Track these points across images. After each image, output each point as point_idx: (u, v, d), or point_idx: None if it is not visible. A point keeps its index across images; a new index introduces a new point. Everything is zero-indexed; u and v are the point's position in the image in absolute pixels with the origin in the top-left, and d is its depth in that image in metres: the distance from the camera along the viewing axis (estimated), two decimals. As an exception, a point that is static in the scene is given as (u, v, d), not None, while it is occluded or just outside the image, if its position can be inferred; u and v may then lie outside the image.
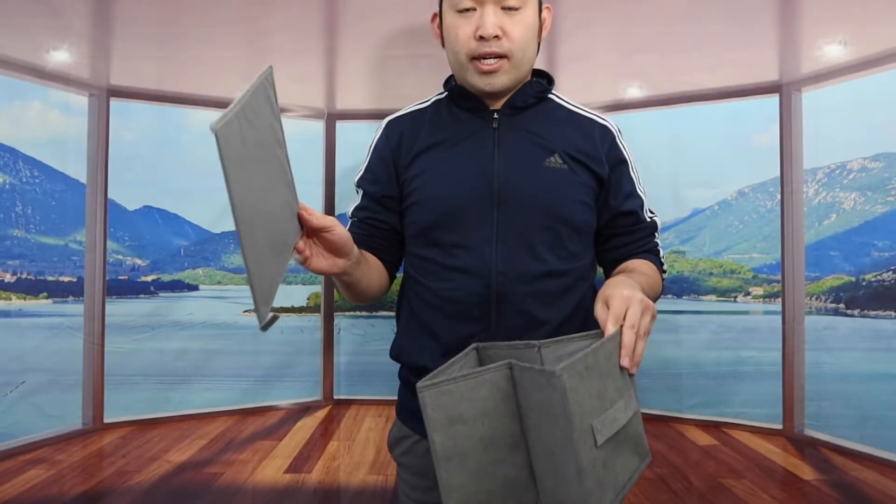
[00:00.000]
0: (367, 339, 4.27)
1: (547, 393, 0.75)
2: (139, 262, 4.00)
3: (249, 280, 0.77)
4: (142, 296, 3.95)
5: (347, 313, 4.29)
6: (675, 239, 3.97)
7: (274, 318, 0.80)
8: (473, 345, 0.91)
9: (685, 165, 3.81)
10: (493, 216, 1.07)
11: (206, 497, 2.57)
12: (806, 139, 3.44)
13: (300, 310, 4.29)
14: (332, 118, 4.21)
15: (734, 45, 3.06)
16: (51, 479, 2.71)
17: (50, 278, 3.54)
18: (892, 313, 3.19)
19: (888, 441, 3.01)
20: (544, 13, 1.11)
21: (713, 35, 2.98)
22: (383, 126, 1.20)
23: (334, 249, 0.92)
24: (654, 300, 1.12)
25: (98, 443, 3.27)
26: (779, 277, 3.53)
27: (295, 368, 4.13)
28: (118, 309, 3.72)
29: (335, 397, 4.15)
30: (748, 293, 3.81)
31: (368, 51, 3.22)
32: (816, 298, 3.48)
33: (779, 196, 3.52)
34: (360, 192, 1.18)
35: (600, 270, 1.20)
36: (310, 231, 0.90)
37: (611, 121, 1.17)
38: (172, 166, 3.91)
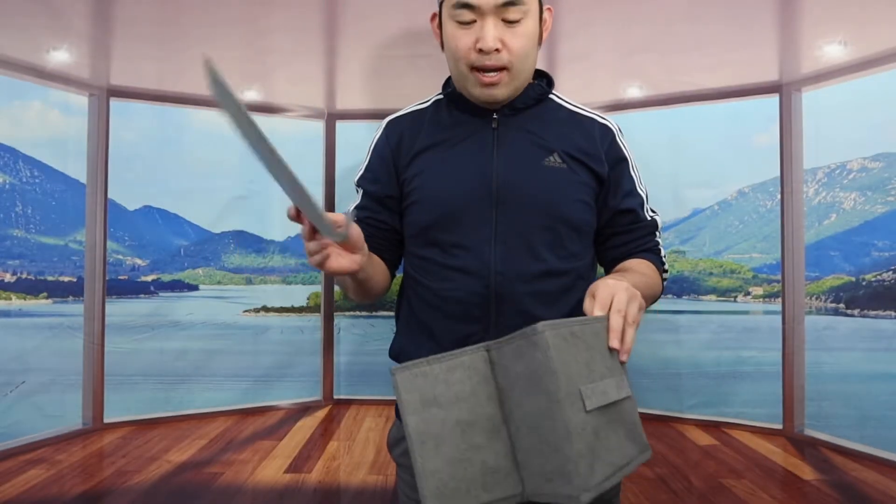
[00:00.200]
0: (367, 339, 4.28)
1: (529, 357, 0.74)
2: (139, 262, 4.00)
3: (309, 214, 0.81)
4: (142, 296, 3.95)
5: (347, 313, 4.29)
6: (675, 239, 3.97)
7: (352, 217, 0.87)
8: (484, 344, 0.84)
9: (685, 165, 3.81)
10: (492, 216, 1.07)
11: (206, 497, 2.57)
12: (806, 139, 3.44)
13: (300, 310, 4.29)
14: (332, 118, 4.21)
15: (734, 45, 3.06)
16: (51, 479, 2.71)
17: (50, 278, 3.54)
18: (892, 313, 3.19)
19: (888, 441, 3.01)
20: (545, 15, 1.11)
21: (713, 35, 2.98)
22: (383, 126, 1.20)
23: (349, 246, 0.92)
24: (653, 299, 1.11)
25: (98, 443, 3.27)
26: (779, 277, 3.53)
27: (295, 368, 4.13)
28: (118, 309, 3.72)
29: (335, 397, 4.15)
30: (748, 293, 3.81)
31: (368, 51, 3.22)
32: (816, 298, 3.48)
33: (779, 196, 3.52)
34: (360, 192, 1.19)
35: (601, 270, 1.20)
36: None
37: (612, 120, 1.17)
38: (172, 166, 3.91)
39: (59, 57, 3.18)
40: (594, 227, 1.14)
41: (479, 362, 0.80)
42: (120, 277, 3.86)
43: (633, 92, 3.78)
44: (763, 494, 2.57)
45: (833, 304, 3.44)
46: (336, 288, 4.20)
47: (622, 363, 0.82)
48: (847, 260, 3.42)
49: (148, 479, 2.74)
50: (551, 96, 1.16)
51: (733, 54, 3.18)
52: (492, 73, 1.05)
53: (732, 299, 3.84)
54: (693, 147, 3.81)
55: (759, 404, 3.55)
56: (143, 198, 3.97)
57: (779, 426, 3.42)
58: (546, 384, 0.72)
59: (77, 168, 3.57)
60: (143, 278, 3.97)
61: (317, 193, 4.14)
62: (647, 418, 3.62)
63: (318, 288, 4.26)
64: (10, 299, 3.40)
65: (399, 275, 1.22)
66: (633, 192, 1.15)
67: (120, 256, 3.91)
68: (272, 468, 2.91)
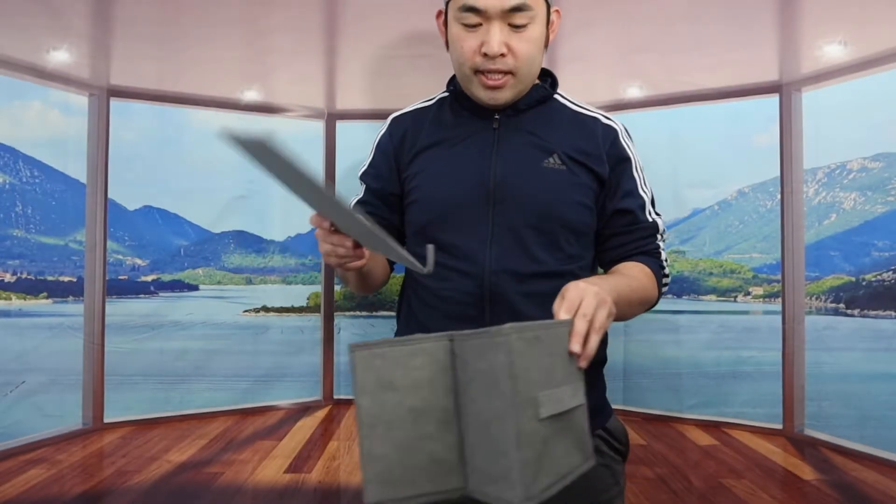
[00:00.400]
0: (367, 339, 4.28)
1: (491, 358, 0.73)
2: (139, 261, 4.00)
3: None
4: (142, 296, 3.95)
5: (347, 313, 4.29)
6: (675, 239, 3.97)
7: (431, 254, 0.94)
8: (448, 333, 0.83)
9: (685, 165, 3.81)
10: (488, 216, 1.07)
11: (206, 497, 2.57)
12: (806, 139, 3.44)
13: (300, 310, 4.29)
14: (332, 118, 4.21)
15: (734, 45, 3.06)
16: (51, 479, 2.71)
17: (50, 278, 3.55)
18: (892, 313, 3.20)
19: (888, 441, 3.01)
20: (553, 17, 1.10)
21: (713, 35, 2.98)
22: (388, 122, 1.20)
23: (355, 242, 0.94)
24: (642, 305, 1.08)
25: (98, 443, 3.27)
26: (779, 277, 3.53)
27: (295, 368, 4.13)
28: (118, 309, 3.72)
29: (335, 397, 4.15)
30: (748, 293, 3.81)
31: (368, 51, 3.22)
32: (816, 298, 3.49)
33: (779, 196, 3.52)
34: (363, 186, 1.19)
35: (601, 272, 1.19)
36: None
37: (617, 121, 1.16)
38: (172, 166, 3.91)
39: (59, 57, 3.18)
40: (594, 228, 1.12)
41: (441, 351, 0.78)
42: (120, 277, 3.86)
43: (633, 92, 3.78)
44: (763, 494, 2.57)
45: (833, 304, 3.44)
46: (336, 288, 4.21)
47: (580, 370, 0.81)
48: (847, 260, 3.42)
49: (148, 479, 2.74)
50: (556, 96, 1.16)
51: (733, 54, 3.18)
52: (496, 77, 1.05)
53: (732, 299, 3.84)
54: (693, 147, 3.81)
55: (759, 404, 3.55)
56: (143, 198, 3.97)
57: (779, 426, 3.42)
58: (503, 387, 0.71)
59: (77, 168, 3.57)
60: (143, 278, 3.97)
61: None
62: (647, 418, 3.61)
63: (318, 288, 4.26)
64: (10, 299, 3.41)
65: (400, 275, 1.22)
66: (633, 192, 1.13)
67: (120, 256, 3.91)
68: (272, 468, 2.91)
